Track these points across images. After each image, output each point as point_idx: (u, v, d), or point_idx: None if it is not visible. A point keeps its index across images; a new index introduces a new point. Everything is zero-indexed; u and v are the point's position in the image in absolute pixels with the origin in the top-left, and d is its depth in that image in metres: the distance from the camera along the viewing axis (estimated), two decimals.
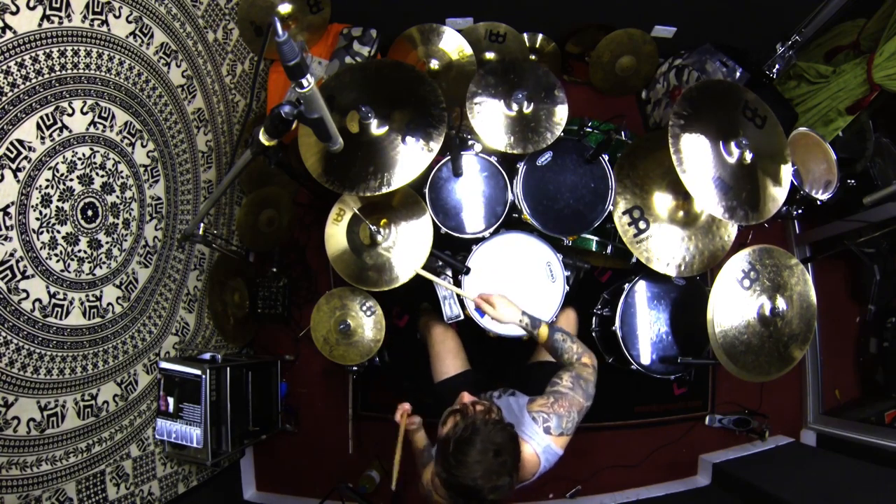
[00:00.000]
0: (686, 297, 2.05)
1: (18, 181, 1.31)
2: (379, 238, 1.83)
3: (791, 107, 2.32)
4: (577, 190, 1.92)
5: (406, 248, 1.83)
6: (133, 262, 1.75)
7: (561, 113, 1.85)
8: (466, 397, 1.29)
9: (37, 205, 1.37)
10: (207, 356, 2.06)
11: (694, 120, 1.61)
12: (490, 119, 1.83)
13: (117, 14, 1.55)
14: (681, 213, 1.85)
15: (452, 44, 2.33)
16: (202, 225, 1.76)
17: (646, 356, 2.00)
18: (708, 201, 1.58)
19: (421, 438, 1.62)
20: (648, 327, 2.02)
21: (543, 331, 1.51)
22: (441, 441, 1.19)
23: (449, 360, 1.84)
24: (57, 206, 1.43)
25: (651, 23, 2.45)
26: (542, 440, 1.28)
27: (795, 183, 1.97)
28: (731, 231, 1.89)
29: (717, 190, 1.59)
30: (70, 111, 1.44)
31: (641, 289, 2.04)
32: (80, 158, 1.49)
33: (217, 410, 1.92)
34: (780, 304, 1.71)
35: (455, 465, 1.12)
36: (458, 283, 1.90)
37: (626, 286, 2.03)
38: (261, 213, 2.33)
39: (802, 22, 2.34)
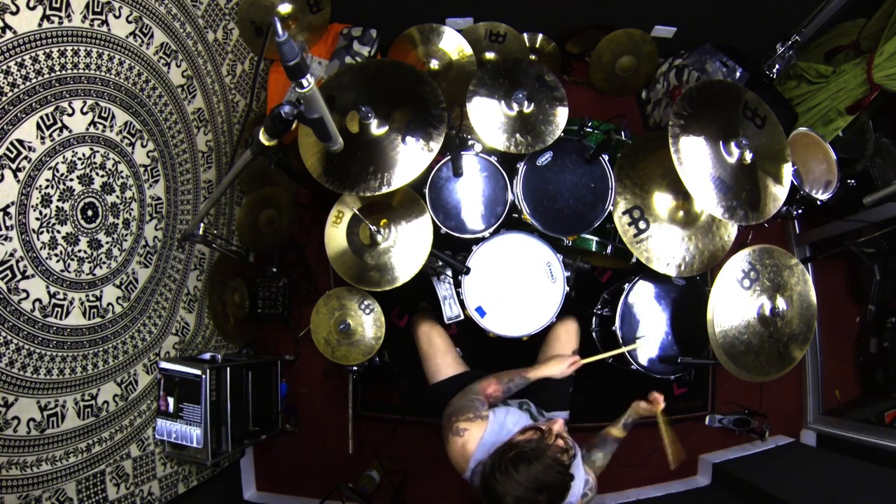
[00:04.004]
0: (686, 297, 2.05)
1: (18, 181, 1.31)
2: (379, 238, 1.83)
3: (791, 107, 2.32)
4: (577, 190, 1.92)
5: (406, 247, 1.83)
6: (133, 262, 1.75)
7: (561, 113, 1.85)
8: (558, 425, 1.30)
9: (37, 205, 1.37)
10: (207, 356, 2.06)
11: (694, 120, 1.61)
12: (490, 119, 1.83)
13: (117, 14, 1.55)
14: (681, 213, 1.85)
15: (452, 44, 2.33)
16: (202, 225, 1.75)
17: (646, 356, 2.00)
18: (708, 201, 1.58)
19: (541, 375, 1.62)
20: (648, 327, 2.02)
21: (622, 434, 1.67)
22: (507, 444, 1.22)
23: (439, 358, 1.82)
24: (57, 206, 1.43)
25: (651, 23, 2.45)
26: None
27: (795, 183, 1.96)
28: (731, 231, 1.89)
29: (716, 190, 1.59)
30: (70, 111, 1.44)
31: (641, 289, 2.04)
32: (80, 158, 1.49)
33: (217, 410, 1.92)
34: (780, 304, 1.71)
35: (501, 471, 1.14)
36: (458, 283, 1.90)
37: (626, 286, 2.03)
38: (261, 213, 2.33)
39: (802, 22, 2.34)
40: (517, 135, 1.82)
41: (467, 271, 1.86)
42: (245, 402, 2.13)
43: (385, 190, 1.59)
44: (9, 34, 1.24)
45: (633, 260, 1.99)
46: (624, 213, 1.86)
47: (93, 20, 1.47)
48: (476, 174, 1.95)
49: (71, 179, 1.46)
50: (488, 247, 1.89)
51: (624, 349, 1.80)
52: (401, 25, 2.34)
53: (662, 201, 1.87)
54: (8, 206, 1.29)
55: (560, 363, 1.63)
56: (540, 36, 2.61)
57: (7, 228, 1.29)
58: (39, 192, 1.37)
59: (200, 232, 1.76)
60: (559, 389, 1.79)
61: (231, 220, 2.40)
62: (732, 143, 1.62)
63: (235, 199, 2.43)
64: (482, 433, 1.34)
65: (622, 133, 2.03)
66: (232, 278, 2.35)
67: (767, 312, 1.69)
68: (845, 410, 2.55)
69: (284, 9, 2.15)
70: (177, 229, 1.98)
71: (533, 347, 1.98)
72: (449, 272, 1.95)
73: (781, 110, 2.19)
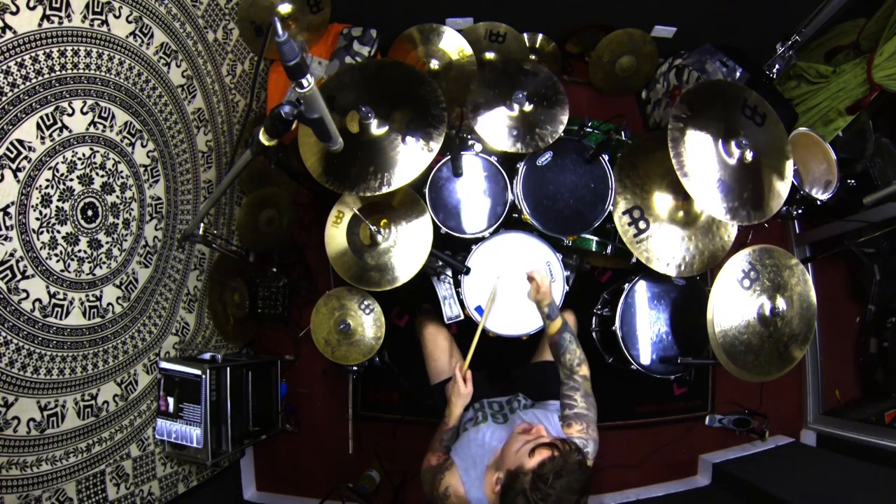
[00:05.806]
0: (686, 297, 2.05)
1: (18, 181, 1.31)
2: (379, 238, 1.83)
3: (791, 107, 2.32)
4: (577, 190, 1.92)
5: (406, 247, 1.83)
6: (133, 262, 1.75)
7: (561, 113, 1.84)
8: (543, 430, 1.30)
9: (37, 205, 1.37)
10: (207, 356, 2.06)
11: (693, 121, 1.61)
12: (492, 120, 1.83)
13: (117, 14, 1.55)
14: (681, 213, 1.86)
15: (452, 44, 2.33)
16: (202, 225, 1.75)
17: (646, 356, 2.00)
18: (709, 203, 1.58)
19: (457, 416, 1.57)
20: (648, 327, 2.02)
21: (557, 323, 1.54)
22: (532, 472, 1.19)
23: (443, 360, 1.83)
24: (57, 206, 1.43)
25: (651, 23, 2.45)
26: None
27: (795, 183, 1.96)
28: (731, 231, 1.89)
29: (717, 191, 1.59)
30: (70, 111, 1.44)
31: (641, 289, 2.05)
32: (80, 158, 1.49)
33: (217, 410, 1.92)
34: (780, 304, 1.71)
35: (540, 498, 1.15)
36: (457, 283, 1.91)
37: (626, 286, 2.03)
38: (261, 213, 2.33)
39: (802, 22, 2.34)
40: (526, 136, 1.82)
41: (467, 271, 1.86)
42: (245, 402, 2.13)
43: (385, 190, 1.59)
44: (9, 34, 1.24)
45: (633, 260, 1.99)
46: (624, 213, 1.86)
47: (93, 20, 1.47)
48: (476, 174, 1.95)
49: (71, 179, 1.46)
50: (488, 247, 1.89)
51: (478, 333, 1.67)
52: (401, 25, 2.34)
53: (662, 201, 1.87)
54: (8, 206, 1.29)
55: (453, 388, 1.56)
56: (540, 36, 2.61)
57: (7, 228, 1.29)
58: (39, 192, 1.37)
59: (200, 232, 1.76)
60: (554, 381, 1.79)
61: (231, 220, 2.40)
62: (733, 143, 1.62)
63: (235, 199, 2.43)
64: (458, 476, 1.34)
65: (622, 133, 2.03)
66: (232, 278, 2.35)
67: (767, 312, 1.69)
68: (845, 410, 2.55)
69: (284, 9, 2.15)
70: (177, 229, 1.98)
71: (532, 347, 1.99)
72: (449, 272, 1.95)
73: (781, 110, 2.17)
